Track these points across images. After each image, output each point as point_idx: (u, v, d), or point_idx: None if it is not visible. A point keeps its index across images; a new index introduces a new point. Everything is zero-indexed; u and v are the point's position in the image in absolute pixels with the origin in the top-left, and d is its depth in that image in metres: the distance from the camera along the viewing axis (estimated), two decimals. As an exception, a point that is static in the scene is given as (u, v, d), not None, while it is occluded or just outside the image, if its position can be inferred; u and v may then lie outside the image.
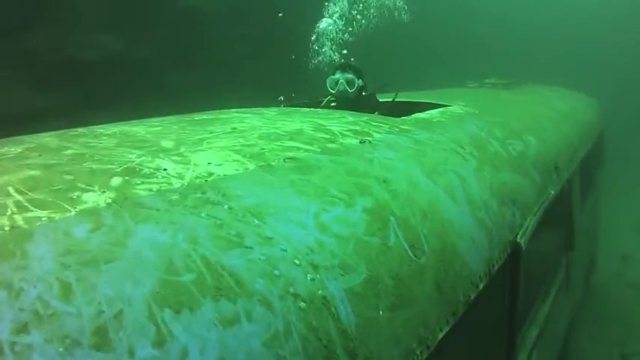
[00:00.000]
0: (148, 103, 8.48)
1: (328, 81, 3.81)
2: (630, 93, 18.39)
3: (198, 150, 1.80)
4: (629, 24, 20.35)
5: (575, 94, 8.04)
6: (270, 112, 2.87)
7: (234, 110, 3.07)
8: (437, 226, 1.90)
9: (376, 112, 3.45)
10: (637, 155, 16.24)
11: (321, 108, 3.58)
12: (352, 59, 4.09)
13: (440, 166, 2.25)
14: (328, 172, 1.78)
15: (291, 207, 1.50)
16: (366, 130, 2.40)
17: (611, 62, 19.61)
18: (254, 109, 3.06)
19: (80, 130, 2.16)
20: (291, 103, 4.27)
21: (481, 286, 2.02)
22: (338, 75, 3.79)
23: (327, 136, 2.17)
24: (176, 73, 8.80)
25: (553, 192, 3.57)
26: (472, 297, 1.93)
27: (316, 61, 4.98)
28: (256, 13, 8.95)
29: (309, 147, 1.97)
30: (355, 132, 2.32)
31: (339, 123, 2.49)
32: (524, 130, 3.69)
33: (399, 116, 4.19)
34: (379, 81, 4.36)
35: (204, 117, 2.60)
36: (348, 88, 3.75)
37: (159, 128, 2.22)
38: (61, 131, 2.12)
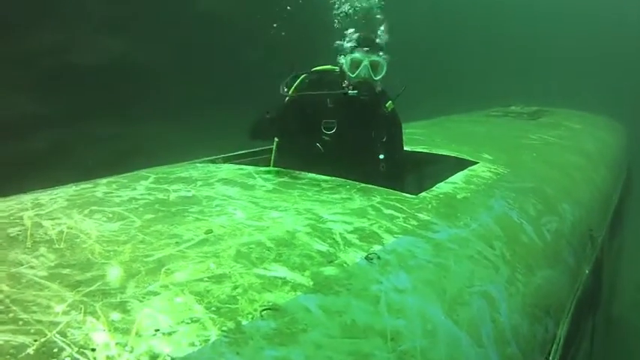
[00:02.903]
0: (149, 111, 8.09)
1: (345, 61, 2.89)
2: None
3: (150, 295, 1.35)
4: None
5: (602, 121, 7.51)
6: (263, 182, 2.41)
7: (222, 170, 2.63)
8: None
9: (390, 102, 3.01)
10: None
11: (333, 96, 2.92)
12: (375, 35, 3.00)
13: (464, 291, 1.79)
14: (318, 336, 1.33)
15: None
16: (375, 229, 1.94)
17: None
18: (245, 170, 2.62)
19: (15, 230, 1.72)
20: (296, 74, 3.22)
21: None
22: (359, 55, 2.86)
23: (325, 249, 1.71)
24: (182, 81, 8.38)
25: (587, 271, 3.11)
26: None
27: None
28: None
29: (298, 277, 1.52)
30: (362, 235, 1.87)
31: (344, 214, 2.03)
32: (558, 196, 3.22)
33: (418, 171, 3.75)
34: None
35: (180, 195, 2.15)
36: (373, 74, 2.86)
37: (117, 225, 1.78)
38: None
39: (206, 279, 1.45)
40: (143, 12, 7.84)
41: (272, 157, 3.21)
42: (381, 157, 2.97)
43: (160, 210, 1.98)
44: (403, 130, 3.23)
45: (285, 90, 2.95)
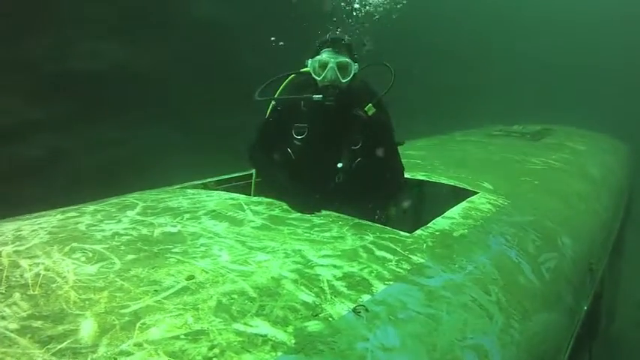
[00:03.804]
0: (150, 118, 8.04)
1: (311, 63, 2.68)
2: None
3: (122, 355, 1.29)
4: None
5: (605, 141, 7.41)
6: (252, 217, 2.34)
7: (212, 198, 2.56)
8: None
9: (369, 105, 2.68)
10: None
11: (302, 100, 2.75)
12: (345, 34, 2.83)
13: (455, 345, 1.71)
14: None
15: None
16: (365, 274, 1.86)
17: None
18: (236, 200, 2.55)
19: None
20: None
21: None
22: (326, 56, 2.65)
23: (311, 300, 1.63)
24: (180, 86, 8.32)
25: (586, 307, 3.03)
26: None
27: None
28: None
29: (280, 334, 1.44)
30: (351, 282, 1.79)
31: (334, 256, 1.96)
32: (559, 229, 3.14)
33: (417, 199, 3.67)
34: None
35: (165, 232, 2.08)
36: (340, 76, 2.63)
37: (95, 268, 1.71)
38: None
39: (182, 336, 1.38)
40: (141, 17, 7.79)
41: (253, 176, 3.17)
42: (339, 165, 2.77)
43: (142, 249, 1.91)
44: (400, 152, 2.99)
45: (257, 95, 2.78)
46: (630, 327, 9.01)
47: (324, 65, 2.64)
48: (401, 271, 1.95)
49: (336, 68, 2.62)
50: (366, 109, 2.68)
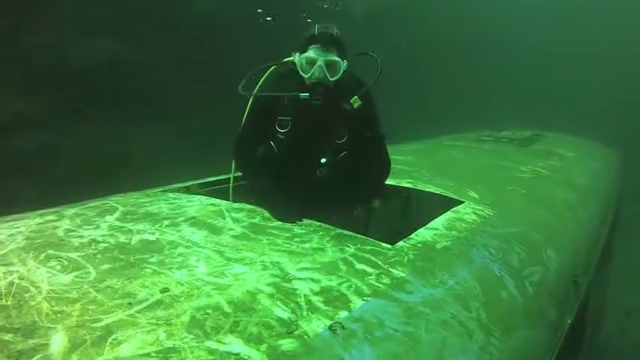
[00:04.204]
0: (141, 115, 7.97)
1: (298, 59, 2.58)
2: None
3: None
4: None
5: (595, 148, 7.43)
6: (232, 225, 2.31)
7: (193, 204, 2.53)
8: None
9: (355, 98, 2.61)
10: None
11: (286, 97, 2.66)
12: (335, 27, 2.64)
13: (433, 366, 1.69)
14: None
15: None
16: (344, 289, 1.84)
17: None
18: (217, 206, 2.52)
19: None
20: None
21: None
22: (314, 53, 2.52)
23: (287, 316, 1.61)
24: (175, 83, 8.27)
25: (570, 321, 3.02)
26: None
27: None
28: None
29: (253, 352, 1.42)
30: (329, 297, 1.77)
31: (312, 269, 1.93)
32: (544, 241, 3.13)
33: (401, 208, 3.65)
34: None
35: (143, 239, 2.04)
36: (328, 75, 2.54)
37: (70, 278, 1.68)
38: None
39: (154, 354, 1.35)
40: (136, 13, 7.72)
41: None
42: (323, 160, 2.72)
43: (119, 258, 1.88)
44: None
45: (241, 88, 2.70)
46: (616, 334, 9.05)
47: (311, 63, 2.54)
48: (380, 285, 1.93)
49: (324, 67, 2.52)
50: (351, 101, 2.61)
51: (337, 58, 2.54)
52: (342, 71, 2.57)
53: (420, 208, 3.27)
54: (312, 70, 2.53)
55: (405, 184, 3.48)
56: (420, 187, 3.46)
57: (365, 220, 3.03)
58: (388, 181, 3.27)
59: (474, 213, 3.04)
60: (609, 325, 8.53)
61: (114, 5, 7.55)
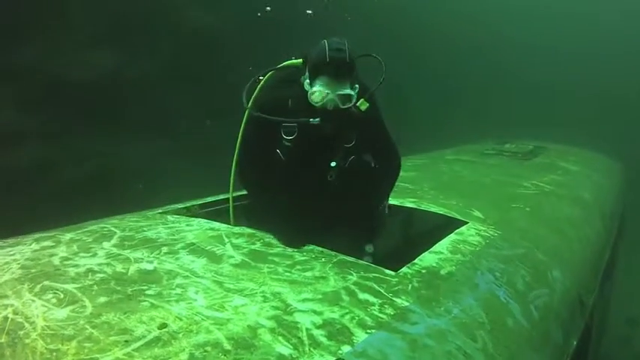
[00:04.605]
0: (140, 129, 7.94)
1: (310, 95, 2.41)
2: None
3: None
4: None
5: (598, 161, 7.38)
6: (232, 252, 2.27)
7: (192, 228, 2.49)
8: None
9: (361, 101, 2.45)
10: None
11: (297, 122, 2.47)
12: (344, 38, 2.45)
13: (438, 403, 1.64)
14: None
15: None
16: (346, 322, 1.79)
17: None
18: (217, 230, 2.48)
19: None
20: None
21: None
22: (324, 88, 2.36)
23: (288, 353, 1.56)
24: (172, 97, 8.23)
25: (575, 342, 2.97)
26: None
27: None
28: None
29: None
30: (331, 331, 1.72)
31: (314, 300, 1.89)
32: (549, 262, 3.08)
33: (405, 228, 3.61)
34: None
35: (141, 269, 2.00)
36: (341, 103, 2.39)
37: (66, 312, 1.64)
38: None
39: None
40: (132, 26, 7.71)
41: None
42: (333, 164, 2.58)
43: (116, 290, 1.83)
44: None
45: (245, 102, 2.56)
46: (619, 344, 8.96)
47: (323, 95, 2.38)
48: (384, 316, 1.88)
49: (337, 99, 2.38)
50: (358, 104, 2.45)
51: (351, 92, 2.40)
52: (353, 101, 2.43)
53: (424, 229, 3.23)
54: (324, 103, 2.39)
55: (408, 203, 3.44)
56: (424, 207, 3.41)
57: (373, 227, 2.91)
58: (392, 201, 3.22)
59: (478, 234, 2.99)
60: (612, 334, 8.45)
61: (110, 18, 7.53)
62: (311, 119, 2.41)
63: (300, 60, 2.63)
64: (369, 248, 2.68)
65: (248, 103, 2.59)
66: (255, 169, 2.70)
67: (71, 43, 7.09)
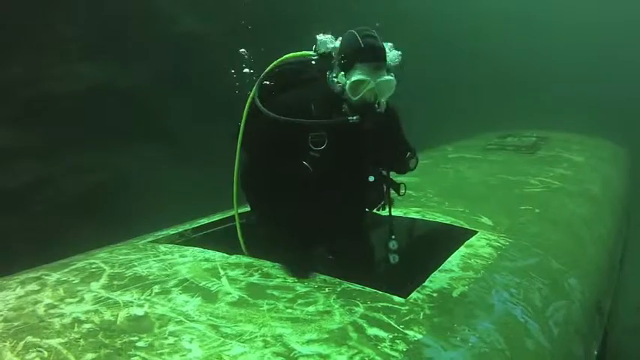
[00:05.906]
0: (131, 140, 7.79)
1: (349, 87, 2.17)
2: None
3: None
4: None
5: (603, 148, 7.19)
6: (229, 287, 2.12)
7: (185, 260, 2.34)
8: None
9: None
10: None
11: (333, 123, 2.22)
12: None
13: None
14: None
15: None
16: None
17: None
18: (211, 262, 2.33)
19: None
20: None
21: None
22: (361, 75, 2.15)
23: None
24: (164, 107, 8.09)
25: (596, 352, 2.83)
26: None
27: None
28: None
29: None
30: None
31: (319, 341, 1.74)
32: (565, 269, 2.93)
33: (411, 241, 3.43)
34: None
35: (130, 315, 1.85)
36: (379, 95, 2.20)
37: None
38: None
39: None
40: (121, 37, 7.55)
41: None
42: (371, 178, 2.38)
43: (104, 344, 1.68)
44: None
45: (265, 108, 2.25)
46: (628, 332, 8.81)
47: (361, 85, 2.16)
48: (396, 354, 1.73)
49: (376, 89, 2.18)
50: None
51: (391, 77, 2.20)
52: (392, 91, 2.23)
53: (432, 242, 3.07)
54: (362, 94, 2.17)
55: (412, 214, 3.28)
56: (429, 216, 3.26)
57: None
58: (394, 213, 3.06)
59: (489, 245, 2.84)
60: (620, 323, 8.30)
61: (96, 30, 7.38)
62: (349, 117, 2.19)
63: (307, 52, 2.41)
64: (393, 245, 2.45)
65: (264, 107, 2.28)
66: (274, 183, 2.38)
67: (58, 56, 6.94)
